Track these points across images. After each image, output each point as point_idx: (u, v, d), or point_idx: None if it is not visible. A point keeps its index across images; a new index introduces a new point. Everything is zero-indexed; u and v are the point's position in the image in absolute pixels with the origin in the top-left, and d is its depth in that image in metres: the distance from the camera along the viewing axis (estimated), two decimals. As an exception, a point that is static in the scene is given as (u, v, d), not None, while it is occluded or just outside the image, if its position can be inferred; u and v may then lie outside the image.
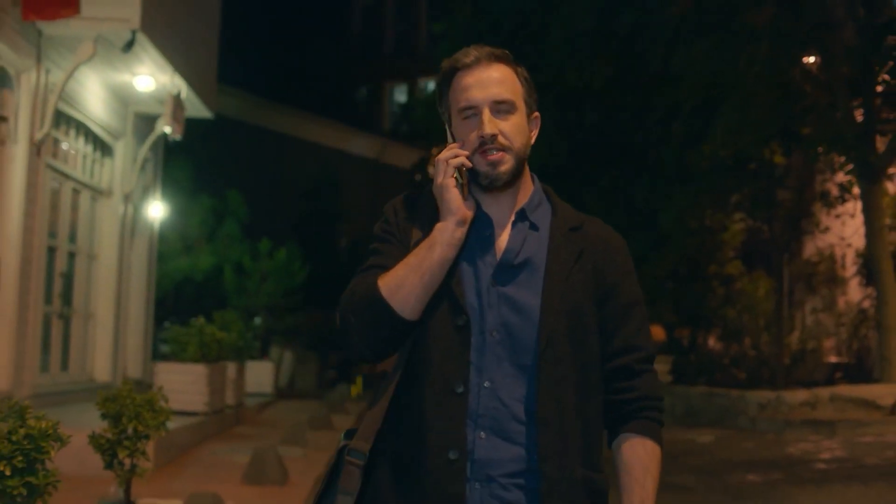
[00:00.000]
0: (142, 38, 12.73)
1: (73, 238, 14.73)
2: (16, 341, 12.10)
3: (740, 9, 17.52)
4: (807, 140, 19.94)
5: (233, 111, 26.47)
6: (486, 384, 2.47)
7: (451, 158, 2.50)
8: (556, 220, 2.65)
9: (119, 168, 16.02)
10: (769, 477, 12.08)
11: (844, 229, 25.82)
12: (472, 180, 2.55)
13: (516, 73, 2.62)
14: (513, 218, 2.63)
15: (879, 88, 19.33)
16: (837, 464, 13.01)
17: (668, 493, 10.30)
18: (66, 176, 14.10)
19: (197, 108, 16.39)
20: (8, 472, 4.28)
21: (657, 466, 2.55)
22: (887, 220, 21.06)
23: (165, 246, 20.25)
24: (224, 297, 24.34)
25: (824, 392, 17.95)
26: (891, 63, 18.58)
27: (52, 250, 13.73)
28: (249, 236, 25.49)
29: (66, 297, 14.50)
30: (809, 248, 28.62)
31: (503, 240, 2.60)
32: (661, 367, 25.08)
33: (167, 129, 14.78)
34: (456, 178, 2.49)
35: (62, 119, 13.57)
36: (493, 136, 2.50)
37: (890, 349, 18.74)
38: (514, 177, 2.57)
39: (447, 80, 2.63)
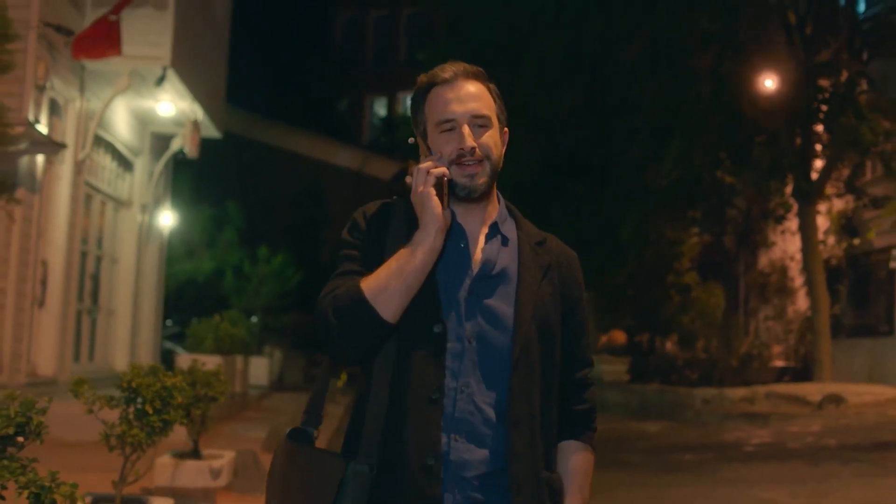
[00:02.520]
0: (170, 73, 14.76)
1: (99, 244, 16.68)
2: (59, 334, 14.09)
3: (687, 52, 19.76)
4: (752, 164, 22.15)
5: (229, 126, 28.40)
6: (463, 389, 2.53)
7: (431, 169, 2.53)
8: (522, 234, 2.74)
9: (138, 182, 17.98)
10: (703, 456, 14.20)
11: (787, 245, 28.01)
12: (449, 192, 2.59)
13: (489, 90, 2.69)
14: (486, 230, 2.69)
15: (819, 127, 21.52)
16: (763, 447, 15.14)
17: (615, 468, 12.53)
18: (97, 189, 16.05)
19: (207, 129, 18.31)
20: (150, 411, 6.31)
21: (592, 471, 2.79)
22: (822, 237, 23.28)
23: (170, 251, 22.18)
24: (223, 298, 26.38)
25: (761, 389, 20.14)
26: (824, 97, 20.79)
27: (84, 255, 15.66)
28: (246, 243, 27.66)
29: (94, 296, 16.47)
30: (763, 261, 30.72)
31: (478, 251, 2.66)
32: (620, 367, 27.30)
33: (186, 150, 16.76)
34: (435, 187, 2.52)
35: (96, 140, 15.52)
36: (473, 149, 2.57)
37: (821, 351, 20.96)
38: (489, 189, 2.65)
39: (423, 94, 2.69)
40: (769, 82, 21.09)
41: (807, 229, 21.30)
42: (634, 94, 20.18)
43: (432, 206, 2.50)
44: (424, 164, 2.55)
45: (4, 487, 4.14)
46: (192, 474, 8.16)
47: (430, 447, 2.49)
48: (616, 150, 22.50)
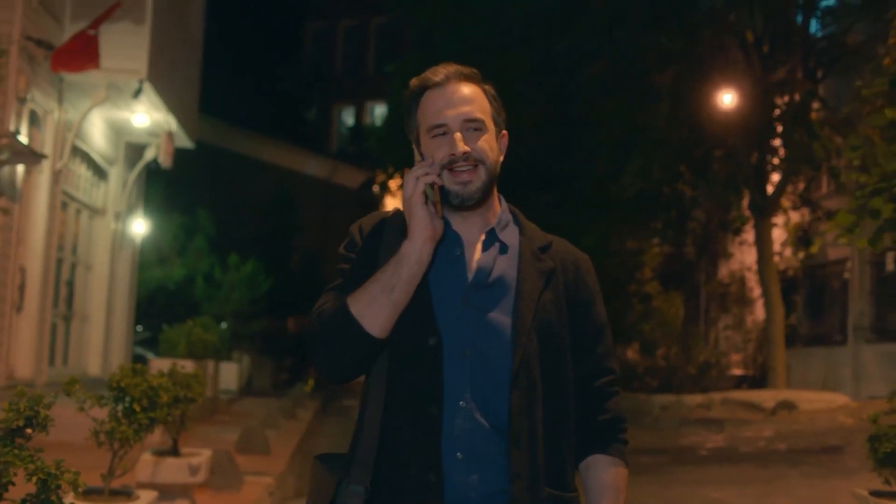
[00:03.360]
0: (146, 86, 15.20)
1: (74, 251, 17.07)
2: (36, 338, 14.52)
3: (647, 71, 20.46)
4: (710, 178, 22.85)
5: (200, 135, 28.79)
6: (461, 404, 2.44)
7: (421, 175, 2.43)
8: (524, 239, 2.63)
9: (112, 190, 18.40)
10: (659, 459, 14.77)
11: (745, 257, 28.73)
12: (442, 199, 2.50)
13: (484, 91, 2.61)
14: (483, 237, 2.60)
15: (776, 141, 22.23)
16: (717, 451, 15.75)
17: (574, 469, 13.01)
18: (73, 198, 16.45)
19: (181, 139, 18.74)
20: (138, 409, 6.79)
21: (625, 488, 2.65)
22: (779, 248, 23.98)
23: (142, 258, 22.57)
24: (193, 305, 26.83)
25: (717, 396, 20.78)
26: (779, 114, 21.52)
27: (60, 262, 16.05)
28: (216, 250, 28.15)
29: (69, 302, 16.87)
30: (723, 271, 31.40)
31: (474, 259, 2.57)
32: (582, 374, 27.92)
33: (160, 160, 17.20)
34: (426, 194, 2.43)
35: (73, 150, 15.91)
36: (465, 154, 2.48)
37: (776, 360, 21.65)
38: (485, 195, 2.55)
39: (416, 98, 2.60)
40: (727, 98, 21.79)
41: (762, 242, 22.00)
42: (597, 110, 20.82)
43: (419, 215, 2.42)
44: (415, 171, 2.46)
45: (15, 474, 4.64)
46: (172, 471, 8.62)
47: (432, 464, 2.42)
48: (580, 164, 23.05)
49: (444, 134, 2.52)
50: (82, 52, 13.72)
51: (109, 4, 14.22)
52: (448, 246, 2.56)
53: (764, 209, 21.81)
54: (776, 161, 22.39)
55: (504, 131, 2.67)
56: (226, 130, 34.86)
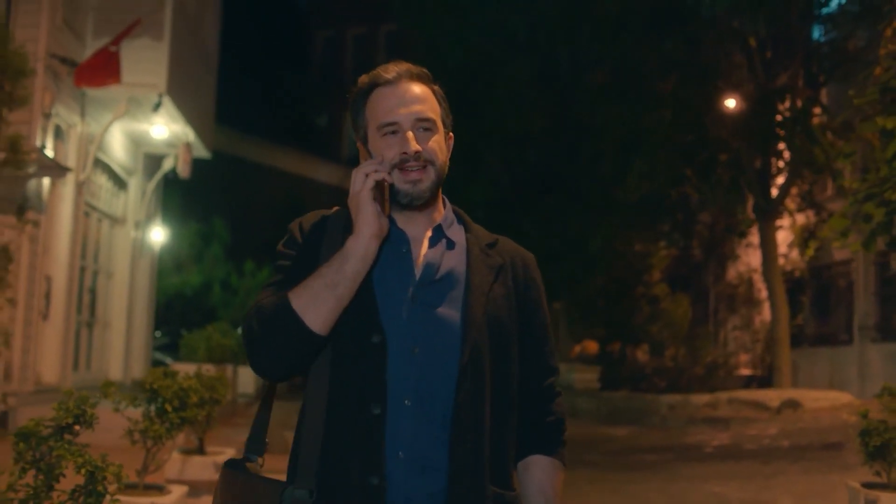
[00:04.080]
0: (165, 99, 15.73)
1: (96, 259, 17.59)
2: (61, 345, 15.05)
3: (650, 77, 20.96)
4: (714, 182, 23.30)
5: (214, 145, 29.44)
6: (406, 402, 2.41)
7: (370, 172, 2.39)
8: (471, 237, 2.63)
9: (131, 200, 18.92)
10: (664, 457, 15.22)
11: (751, 259, 29.13)
12: (390, 198, 2.47)
13: (434, 92, 2.59)
14: (430, 234, 2.58)
15: (781, 145, 22.65)
16: (721, 449, 16.17)
17: (581, 467, 13.51)
18: (94, 208, 16.97)
19: (197, 149, 19.25)
20: (169, 409, 7.28)
21: (562, 490, 2.63)
22: (786, 250, 24.40)
23: (160, 265, 23.12)
24: (210, 311, 27.43)
25: (723, 395, 21.19)
26: (781, 120, 21.95)
27: (82, 270, 16.57)
28: (232, 257, 28.76)
29: (92, 309, 17.39)
30: (731, 272, 31.78)
31: (421, 256, 2.54)
32: (592, 375, 28.35)
33: (178, 171, 17.72)
34: (374, 192, 2.39)
35: (94, 161, 16.43)
36: (417, 154, 2.46)
37: (781, 360, 22.06)
38: (433, 195, 2.54)
39: (365, 95, 2.57)
40: (731, 102, 22.23)
41: (767, 244, 22.42)
42: (601, 116, 21.31)
43: (367, 212, 2.38)
44: (363, 167, 2.41)
45: (65, 467, 5.15)
46: (199, 468, 9.13)
47: (374, 466, 2.36)
48: (585, 168, 23.43)
49: (394, 132, 2.50)
50: (104, 68, 14.26)
51: (130, 21, 14.78)
52: (394, 243, 2.53)
53: (768, 212, 22.25)
54: (781, 164, 22.82)
55: (451, 133, 2.65)
56: (239, 139, 35.38)
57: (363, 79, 2.59)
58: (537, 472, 2.61)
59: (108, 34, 14.77)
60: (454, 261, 2.56)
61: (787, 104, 22.02)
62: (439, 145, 2.54)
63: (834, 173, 20.96)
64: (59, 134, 14.70)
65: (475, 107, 23.07)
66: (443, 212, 2.63)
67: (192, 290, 27.58)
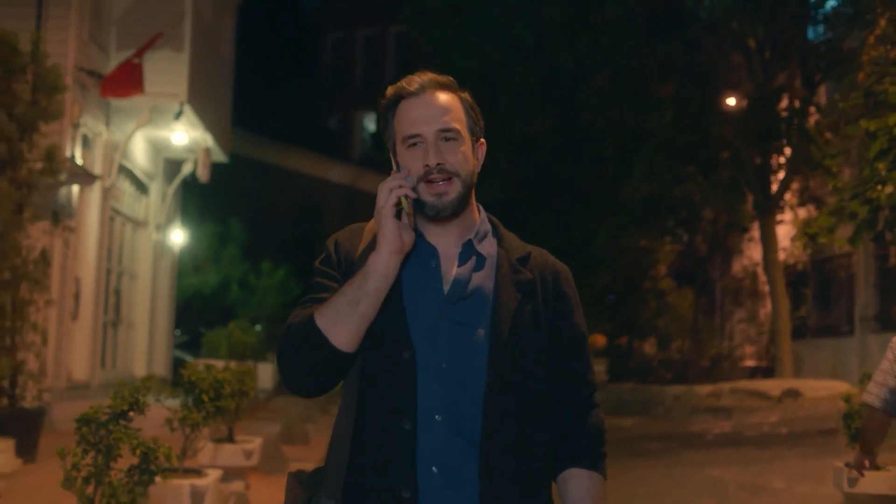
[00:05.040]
0: (186, 108, 16.44)
1: (120, 261, 18.31)
2: (90, 343, 15.78)
3: (649, 82, 21.67)
4: (714, 179, 23.96)
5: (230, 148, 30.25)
6: (437, 418, 2.42)
7: (395, 187, 2.39)
8: (502, 251, 2.59)
9: (152, 203, 19.64)
10: (668, 444, 15.93)
11: (754, 253, 29.74)
12: (417, 210, 2.48)
13: (461, 100, 2.58)
14: (460, 249, 2.56)
15: (781, 142, 23.28)
16: (723, 436, 16.85)
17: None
18: (118, 212, 17.68)
19: (215, 154, 19.93)
20: (206, 400, 7.99)
21: (603, 500, 2.59)
22: (788, 244, 25.02)
23: (179, 266, 23.86)
24: (227, 310, 28.22)
25: (726, 386, 21.86)
26: (778, 119, 22.59)
27: (108, 272, 17.29)
28: (248, 257, 29.57)
29: (117, 309, 18.12)
30: (737, 266, 32.37)
31: (450, 271, 2.53)
32: (600, 368, 29.07)
33: (198, 175, 18.43)
34: (401, 206, 2.40)
35: (118, 168, 17.16)
36: (439, 166, 2.46)
37: (782, 350, 22.72)
38: (461, 206, 2.52)
39: (391, 107, 2.57)
40: (732, 101, 22.87)
41: (767, 239, 23.07)
42: (604, 118, 22.01)
43: (387, 228, 2.38)
44: (388, 182, 2.41)
45: (122, 448, 5.86)
46: (229, 455, 9.83)
47: (406, 480, 2.39)
48: (590, 168, 24.03)
49: (419, 144, 2.50)
50: (128, 80, 14.94)
51: (151, 35, 15.47)
52: (423, 258, 2.54)
53: (767, 208, 22.90)
54: (782, 160, 23.45)
55: (482, 140, 2.65)
56: (253, 141, 35.97)
57: (389, 91, 2.59)
58: (575, 485, 2.58)
59: (131, 47, 15.46)
60: (483, 277, 2.55)
61: (785, 103, 22.67)
62: (465, 156, 2.51)
63: (828, 170, 21.58)
64: (86, 143, 15.41)
65: (481, 109, 23.70)
66: (477, 222, 2.61)
67: (210, 290, 28.43)
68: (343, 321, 2.38)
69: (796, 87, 22.34)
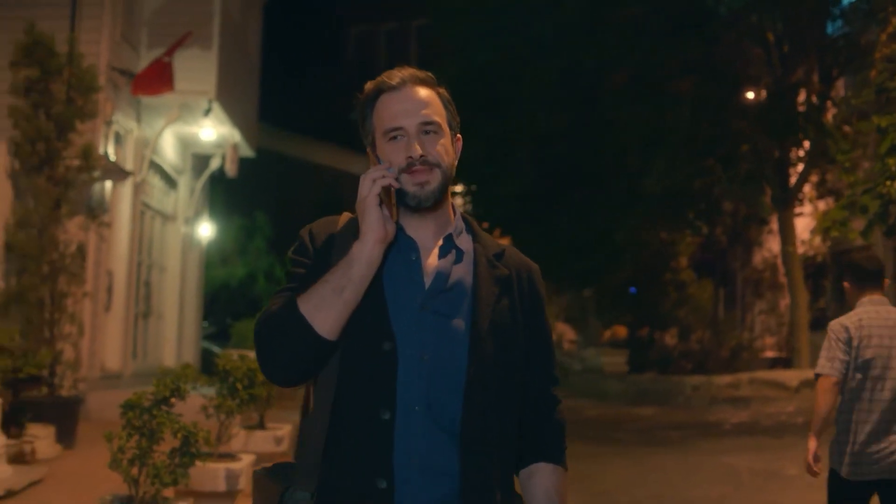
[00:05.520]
0: (214, 105, 16.86)
1: (150, 254, 18.77)
2: (122, 334, 16.24)
3: (669, 78, 21.97)
4: (731, 174, 24.25)
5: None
6: (416, 408, 2.44)
7: (378, 178, 2.43)
8: (479, 246, 2.63)
9: (181, 197, 20.08)
10: (686, 433, 16.26)
11: (773, 245, 29.98)
12: (399, 202, 2.51)
13: (440, 95, 2.61)
14: (440, 243, 2.59)
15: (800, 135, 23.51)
16: (740, 426, 17.18)
17: (607, 443, 14.57)
18: (148, 206, 18.12)
19: (242, 149, 20.34)
20: (240, 388, 8.40)
21: (566, 494, 2.64)
22: (808, 236, 25.28)
23: (207, 259, 24.32)
24: (254, 301, 28.66)
25: (745, 376, 22.17)
26: (795, 113, 22.86)
27: (139, 265, 17.74)
28: (274, 249, 30.01)
29: (147, 301, 18.58)
30: (757, 258, 32.61)
31: (431, 264, 2.56)
32: (621, 359, 29.44)
33: (226, 170, 18.88)
34: (381, 197, 2.42)
35: (149, 163, 17.60)
36: (422, 157, 2.48)
37: (800, 341, 23.00)
38: (441, 197, 2.56)
39: (371, 102, 2.59)
40: (751, 94, 23.15)
41: (785, 232, 23.34)
42: (624, 114, 22.32)
43: (373, 217, 2.41)
44: (371, 173, 2.46)
45: (164, 432, 6.27)
46: (261, 441, 10.27)
47: (382, 470, 2.40)
48: (611, 162, 24.27)
49: (400, 137, 2.53)
50: (158, 78, 15.33)
51: (180, 33, 15.85)
52: (404, 251, 2.56)
53: (785, 202, 23.17)
54: (801, 153, 23.71)
55: (459, 135, 2.68)
56: (277, 135, 36.40)
57: (369, 85, 2.62)
58: (543, 479, 2.63)
59: (161, 45, 15.86)
60: (462, 271, 2.59)
61: (803, 97, 22.92)
62: (445, 148, 2.56)
63: (842, 165, 21.84)
64: (117, 139, 15.84)
65: (504, 104, 24.09)
66: (453, 220, 2.65)
67: (237, 282, 28.91)
68: (327, 308, 2.39)
69: (814, 81, 22.58)
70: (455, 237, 2.61)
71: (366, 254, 2.40)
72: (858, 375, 5.53)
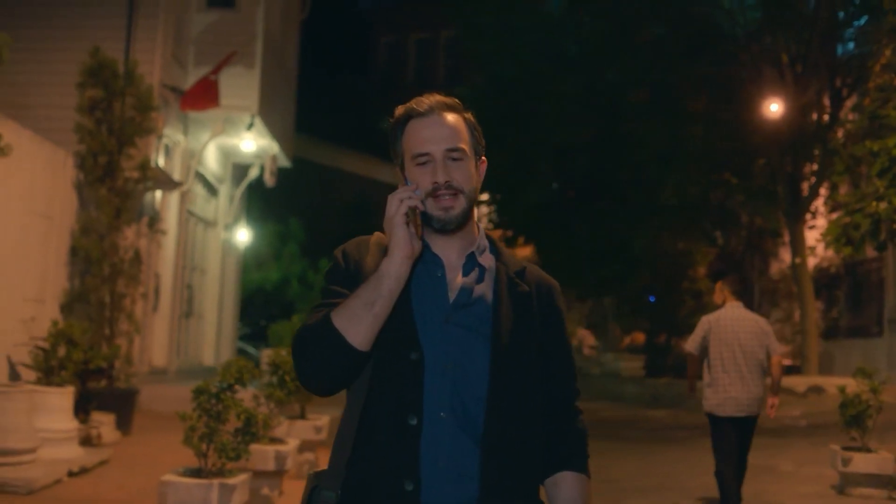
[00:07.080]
0: (256, 119, 18.00)
1: (193, 258, 19.91)
2: (168, 333, 17.40)
3: (686, 96, 23.00)
4: (744, 188, 25.24)
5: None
6: (441, 415, 2.52)
7: (405, 198, 2.50)
8: (500, 264, 2.73)
9: (221, 205, 21.24)
10: (692, 433, 17.17)
11: (787, 256, 30.78)
12: (424, 223, 2.60)
13: (465, 121, 2.69)
14: (463, 261, 2.69)
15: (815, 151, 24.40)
16: (746, 427, 18.11)
17: (617, 441, 15.56)
18: (192, 213, 19.26)
19: (280, 159, 21.45)
20: (288, 380, 9.50)
21: (591, 499, 2.74)
22: (821, 248, 26.14)
23: (243, 263, 25.44)
24: (287, 305, 29.78)
25: (755, 382, 23.03)
26: (807, 132, 23.77)
27: (183, 268, 18.86)
28: (307, 254, 31.15)
29: (189, 302, 19.73)
30: (774, 268, 33.38)
31: (456, 280, 2.66)
32: (638, 364, 30.37)
33: (265, 180, 20.02)
34: (408, 216, 2.50)
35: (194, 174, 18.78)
36: (447, 183, 2.57)
37: (809, 349, 23.91)
38: (464, 220, 2.65)
39: (401, 126, 2.68)
40: (774, 107, 24.10)
41: (796, 244, 24.26)
42: (641, 130, 23.35)
43: (399, 234, 2.49)
44: (398, 193, 2.52)
45: (229, 414, 7.33)
46: (302, 430, 11.33)
47: (409, 473, 2.49)
48: (630, 174, 25.07)
49: (427, 162, 2.62)
50: (205, 94, 16.45)
51: (225, 53, 16.98)
52: (430, 267, 2.66)
53: (796, 215, 24.13)
54: (815, 167, 24.57)
55: (483, 158, 2.77)
56: (311, 143, 37.35)
57: (399, 110, 2.71)
58: (567, 487, 2.70)
59: (206, 63, 17.02)
60: (485, 287, 2.68)
61: (815, 117, 23.85)
62: (469, 173, 2.64)
63: (854, 178, 22.72)
64: (167, 151, 17.00)
65: (528, 117, 25.09)
66: (476, 237, 2.74)
67: (272, 286, 30.10)
68: (358, 321, 2.48)
69: (824, 103, 23.50)
70: (478, 255, 2.71)
71: (394, 270, 2.50)
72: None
